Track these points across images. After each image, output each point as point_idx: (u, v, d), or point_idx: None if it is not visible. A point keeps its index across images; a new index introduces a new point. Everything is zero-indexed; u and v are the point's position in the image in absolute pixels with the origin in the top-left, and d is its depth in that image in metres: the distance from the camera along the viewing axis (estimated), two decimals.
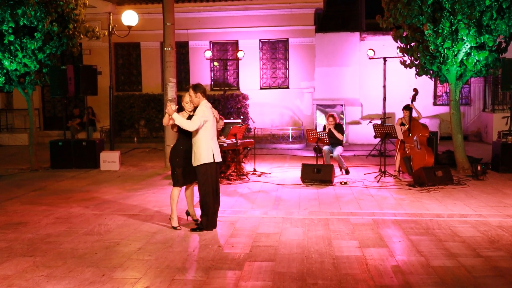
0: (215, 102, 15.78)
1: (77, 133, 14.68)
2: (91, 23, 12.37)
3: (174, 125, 6.16)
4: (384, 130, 9.56)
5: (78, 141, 11.70)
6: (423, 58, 9.85)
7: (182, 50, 16.99)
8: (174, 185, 6.22)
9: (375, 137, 9.95)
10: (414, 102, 9.62)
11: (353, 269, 4.79)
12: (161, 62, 14.69)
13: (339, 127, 10.11)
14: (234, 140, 9.60)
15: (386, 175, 9.55)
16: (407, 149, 9.45)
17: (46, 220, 6.78)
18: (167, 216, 6.59)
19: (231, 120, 12.57)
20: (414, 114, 9.61)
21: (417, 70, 10.45)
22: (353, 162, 11.71)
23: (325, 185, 8.97)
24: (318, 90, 16.54)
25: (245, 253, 5.28)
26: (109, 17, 12.68)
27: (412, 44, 10.16)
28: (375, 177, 9.55)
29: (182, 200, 6.58)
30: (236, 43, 16.79)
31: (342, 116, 15.57)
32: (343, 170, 10.04)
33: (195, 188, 6.33)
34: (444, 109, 16.08)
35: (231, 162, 9.87)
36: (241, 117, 15.15)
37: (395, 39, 10.46)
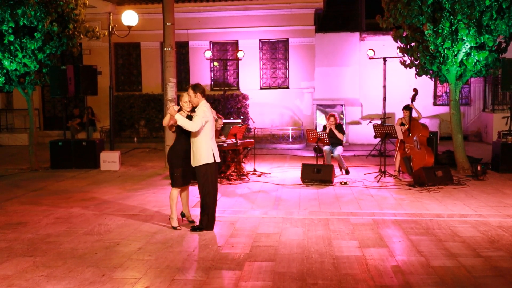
0: (215, 102, 15.78)
1: (77, 133, 14.67)
2: (91, 23, 12.37)
3: (172, 126, 6.15)
4: (384, 130, 9.56)
5: (78, 141, 11.70)
6: (423, 58, 9.85)
7: (182, 50, 16.99)
8: (173, 185, 6.22)
9: (375, 137, 9.95)
10: (414, 102, 9.62)
11: (353, 269, 4.79)
12: (161, 62, 14.69)
13: (340, 127, 10.12)
14: (234, 140, 9.60)
15: (386, 175, 9.56)
16: (407, 149, 9.46)
17: (46, 220, 6.78)
18: (167, 216, 6.59)
19: (231, 120, 12.56)
20: (414, 114, 9.61)
21: (417, 70, 10.45)
22: (353, 162, 11.71)
23: (325, 185, 8.97)
24: (318, 90, 16.54)
25: (245, 253, 5.28)
26: (109, 17, 12.67)
27: (412, 44, 10.16)
28: (375, 177, 9.55)
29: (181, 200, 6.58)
30: (236, 43, 16.79)
31: (342, 116, 15.56)
32: (343, 170, 10.04)
33: (191, 189, 6.32)
34: (444, 109, 16.08)
35: (231, 162, 9.87)
36: (241, 117, 15.15)
37: (395, 39, 10.46)
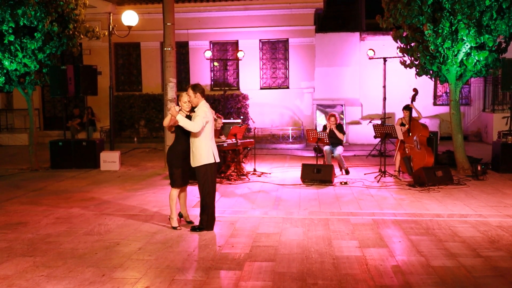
0: (215, 102, 15.79)
1: (77, 133, 14.67)
2: (91, 23, 12.37)
3: (171, 126, 6.13)
4: (384, 130, 9.56)
5: (78, 141, 11.70)
6: (423, 58, 9.85)
7: (182, 50, 16.99)
8: (173, 186, 6.22)
9: (375, 137, 9.95)
10: (414, 102, 9.62)
11: (353, 269, 4.79)
12: (161, 62, 14.69)
13: (340, 127, 10.13)
14: (234, 140, 9.61)
15: (386, 175, 9.55)
16: (407, 149, 9.45)
17: (46, 220, 6.78)
18: (167, 216, 6.58)
19: (231, 120, 12.56)
20: (414, 114, 9.61)
21: (417, 70, 10.45)
22: (353, 162, 11.71)
23: (325, 185, 8.97)
24: (318, 90, 16.54)
25: (245, 253, 5.28)
26: (109, 17, 12.67)
27: (412, 44, 10.16)
28: (375, 177, 9.55)
29: None
30: (236, 43, 16.79)
31: (342, 116, 15.56)
32: (343, 170, 10.04)
33: (191, 189, 6.32)
34: (444, 109, 16.08)
35: (231, 162, 9.87)
36: (241, 117, 15.15)
37: (395, 39, 10.46)
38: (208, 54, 14.89)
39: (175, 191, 6.21)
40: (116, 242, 5.73)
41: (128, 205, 7.66)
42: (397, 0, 9.78)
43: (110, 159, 11.08)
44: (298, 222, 6.54)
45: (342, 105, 15.93)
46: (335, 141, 9.93)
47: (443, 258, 5.09)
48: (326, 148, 9.90)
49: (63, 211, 7.26)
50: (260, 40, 16.75)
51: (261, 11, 16.40)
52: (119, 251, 5.39)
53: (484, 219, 6.59)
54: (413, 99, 9.64)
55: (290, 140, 15.57)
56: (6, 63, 9.97)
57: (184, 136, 6.09)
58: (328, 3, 17.70)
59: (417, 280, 4.52)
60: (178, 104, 6.25)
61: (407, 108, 9.61)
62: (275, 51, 16.91)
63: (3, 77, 10.29)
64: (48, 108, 17.91)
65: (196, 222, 6.33)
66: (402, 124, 9.73)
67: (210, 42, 16.92)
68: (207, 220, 6.13)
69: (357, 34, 16.42)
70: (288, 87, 16.74)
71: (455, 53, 9.30)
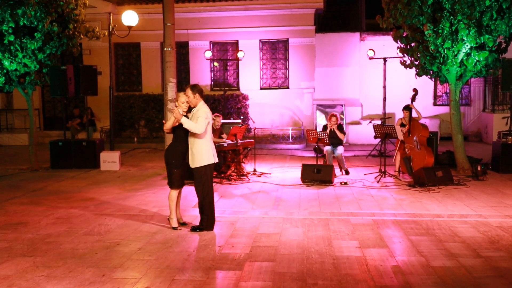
0: (215, 102, 15.79)
1: (77, 133, 14.67)
2: (91, 23, 12.37)
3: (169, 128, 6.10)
4: (384, 130, 9.57)
5: (78, 141, 11.70)
6: (423, 58, 9.85)
7: (182, 50, 16.99)
8: (171, 187, 6.21)
9: (375, 137, 9.95)
10: (414, 102, 9.61)
11: (353, 270, 4.79)
12: (161, 62, 14.68)
13: (340, 127, 10.14)
14: (234, 140, 9.61)
15: (386, 176, 9.55)
16: (407, 150, 9.45)
17: (46, 220, 6.78)
18: (167, 217, 6.58)
19: (231, 120, 12.57)
20: (414, 114, 9.61)
21: (417, 70, 10.45)
22: (353, 162, 11.71)
23: (325, 186, 8.97)
24: (318, 90, 16.54)
25: (245, 253, 5.28)
26: (109, 17, 12.66)
27: (412, 44, 10.16)
28: (375, 178, 9.55)
29: (182, 200, 6.58)
30: (236, 43, 16.79)
31: (342, 116, 15.56)
32: (343, 171, 10.04)
33: (190, 190, 6.31)
34: (444, 109, 16.08)
35: (231, 162, 9.87)
36: (241, 117, 15.15)
37: (395, 40, 10.46)
38: (208, 54, 14.89)
39: (174, 192, 6.21)
40: (116, 242, 5.73)
41: (128, 205, 7.66)
42: (397, 0, 9.78)
43: (110, 159, 11.08)
44: (298, 222, 6.54)
45: (342, 105, 15.93)
46: (335, 141, 9.93)
47: (443, 258, 5.09)
48: (327, 148, 9.90)
49: (63, 211, 7.26)
50: (260, 40, 16.75)
51: (261, 11, 16.40)
52: (119, 251, 5.39)
53: (484, 219, 6.59)
54: (413, 99, 9.64)
55: (290, 140, 15.57)
56: (6, 63, 9.97)
57: (185, 137, 6.08)
58: (328, 3, 17.70)
59: (417, 280, 4.52)
60: (176, 105, 6.22)
61: (407, 108, 9.61)
62: (275, 51, 16.91)
63: (3, 77, 10.29)
64: (48, 108, 17.91)
65: (195, 222, 6.33)
66: (402, 125, 9.73)
67: (210, 42, 16.92)
68: (207, 220, 6.13)
69: (357, 34, 16.42)
70: (288, 87, 16.73)
71: (455, 53, 9.30)
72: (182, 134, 6.06)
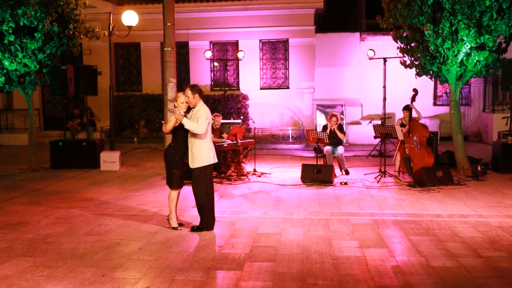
0: (215, 102, 15.79)
1: (77, 133, 14.67)
2: (91, 23, 12.37)
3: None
4: (384, 130, 9.57)
5: (78, 141, 11.70)
6: (423, 58, 9.85)
7: (182, 50, 16.99)
8: (171, 187, 6.20)
9: (375, 137, 9.95)
10: (414, 103, 9.61)
11: (353, 270, 4.79)
12: (161, 62, 14.68)
13: (341, 127, 10.15)
14: (234, 140, 9.61)
15: (386, 176, 9.55)
16: (407, 150, 9.45)
17: (46, 220, 6.78)
18: (167, 217, 6.57)
19: (231, 121, 12.58)
20: (414, 114, 9.61)
21: (417, 70, 10.45)
22: (353, 162, 11.71)
23: (325, 186, 8.97)
24: (318, 90, 16.54)
25: (245, 253, 5.28)
26: (109, 17, 12.67)
27: (412, 44, 10.16)
28: (375, 178, 9.55)
29: (182, 200, 6.58)
30: (236, 43, 16.79)
31: (342, 116, 15.56)
32: (343, 171, 10.04)
33: (187, 190, 6.29)
34: (444, 110, 16.08)
35: (231, 163, 9.87)
36: (241, 117, 15.15)
37: (395, 40, 10.46)
38: (208, 54, 14.89)
39: (174, 192, 6.21)
40: (116, 242, 5.73)
41: (128, 205, 7.66)
42: (397, 0, 9.78)
43: (110, 159, 11.07)
44: (298, 222, 6.54)
45: (342, 105, 15.93)
46: (335, 141, 9.93)
47: (443, 258, 5.09)
48: (328, 148, 9.91)
49: (63, 211, 7.26)
50: (260, 40, 16.74)
51: (261, 11, 16.40)
52: (119, 251, 5.39)
53: (484, 219, 6.59)
54: (413, 99, 9.64)
55: (290, 140, 15.57)
56: (6, 63, 9.97)
57: (184, 137, 6.08)
58: (328, 3, 17.69)
59: (417, 280, 4.52)
60: (175, 106, 6.20)
61: (407, 109, 9.61)
62: (275, 51, 16.91)
63: (3, 77, 10.29)
64: (48, 108, 17.91)
65: (195, 222, 6.33)
66: (402, 125, 9.73)
67: (210, 42, 16.92)
68: (207, 220, 6.13)
69: (357, 34, 16.42)
70: (288, 87, 16.73)
71: (455, 53, 9.30)
72: (182, 135, 6.06)
